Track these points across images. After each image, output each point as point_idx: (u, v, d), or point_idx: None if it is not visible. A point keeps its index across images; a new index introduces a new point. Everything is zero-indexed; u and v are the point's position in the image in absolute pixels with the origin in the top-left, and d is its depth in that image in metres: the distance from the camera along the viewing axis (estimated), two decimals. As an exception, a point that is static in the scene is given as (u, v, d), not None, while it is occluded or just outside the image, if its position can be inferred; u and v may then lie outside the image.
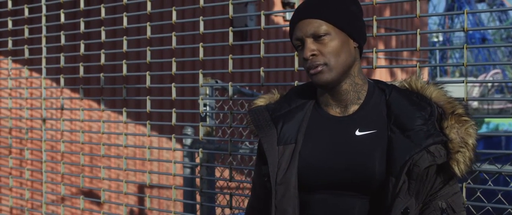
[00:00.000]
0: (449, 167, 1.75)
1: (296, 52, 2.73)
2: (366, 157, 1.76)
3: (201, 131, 3.10)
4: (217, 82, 3.51)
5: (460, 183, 2.27)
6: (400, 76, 10.86)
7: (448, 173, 1.77)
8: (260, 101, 2.00)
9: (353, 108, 1.85)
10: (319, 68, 1.78)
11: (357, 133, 1.80)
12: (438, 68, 29.19)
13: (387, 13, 10.12)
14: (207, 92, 3.49)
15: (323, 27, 1.78)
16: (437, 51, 27.99)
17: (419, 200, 1.75)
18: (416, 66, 2.38)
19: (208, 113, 3.45)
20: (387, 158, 1.74)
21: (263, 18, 2.83)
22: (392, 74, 10.75)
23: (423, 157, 1.70)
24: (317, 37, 1.78)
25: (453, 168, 1.75)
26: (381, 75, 10.36)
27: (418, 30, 2.37)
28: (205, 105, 3.49)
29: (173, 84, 3.14)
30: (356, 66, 1.85)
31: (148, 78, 3.22)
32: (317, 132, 1.85)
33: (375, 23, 2.49)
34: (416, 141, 1.72)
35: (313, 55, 1.78)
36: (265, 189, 1.91)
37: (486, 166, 2.27)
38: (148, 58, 3.21)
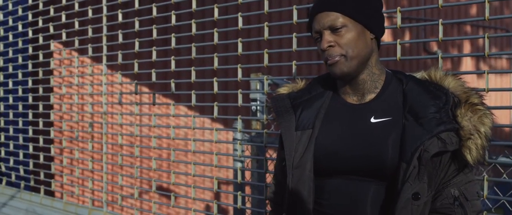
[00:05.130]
0: (462, 155, 1.76)
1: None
2: (379, 144, 1.80)
3: (240, 124, 3.18)
4: (268, 77, 3.58)
5: (481, 176, 2.23)
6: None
7: (462, 162, 1.79)
8: (283, 90, 2.09)
9: (370, 96, 1.89)
10: (336, 59, 1.84)
11: (373, 120, 1.85)
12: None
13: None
14: (258, 87, 3.57)
15: (339, 19, 1.83)
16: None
17: (432, 187, 1.77)
18: (437, 57, 2.35)
19: (258, 108, 3.53)
20: (400, 145, 1.77)
21: (295, 12, 2.88)
22: (479, 69, 10.38)
23: (433, 143, 1.73)
24: (334, 30, 1.84)
25: (465, 155, 1.76)
26: (468, 69, 10.03)
27: (440, 20, 2.35)
28: (255, 100, 3.58)
29: (214, 79, 3.25)
30: (373, 57, 1.90)
31: (193, 73, 3.35)
32: (334, 119, 1.91)
33: (399, 14, 2.47)
34: (428, 128, 1.75)
35: (330, 46, 1.84)
36: (285, 174, 1.98)
37: (501, 159, 2.21)
38: (194, 54, 3.34)
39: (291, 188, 1.90)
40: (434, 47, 9.80)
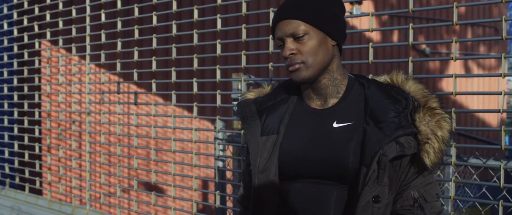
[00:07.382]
0: (420, 159, 1.80)
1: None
2: (341, 148, 1.83)
3: (218, 124, 3.22)
4: (250, 77, 3.62)
5: (449, 178, 2.28)
6: (476, 70, 10.57)
7: (421, 165, 1.83)
8: (250, 95, 2.12)
9: (333, 101, 1.93)
10: (297, 66, 1.88)
11: (335, 125, 1.89)
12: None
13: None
14: (239, 87, 3.61)
15: (301, 27, 1.86)
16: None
17: (392, 189, 1.81)
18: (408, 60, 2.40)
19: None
20: (361, 149, 1.81)
21: (272, 15, 2.92)
22: (468, 69, 10.45)
23: (392, 148, 1.77)
24: (296, 37, 1.87)
25: (423, 159, 1.81)
26: (456, 69, 10.10)
27: (411, 24, 2.39)
28: (236, 99, 3.62)
29: (194, 79, 3.29)
30: (334, 62, 1.93)
31: (173, 74, 3.39)
32: (298, 124, 1.95)
33: (372, 18, 2.52)
34: (387, 133, 1.79)
35: (292, 54, 1.88)
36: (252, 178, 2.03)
37: (472, 160, 2.26)
38: (174, 55, 3.38)
39: (257, 192, 1.94)
40: (423, 45, 9.87)
